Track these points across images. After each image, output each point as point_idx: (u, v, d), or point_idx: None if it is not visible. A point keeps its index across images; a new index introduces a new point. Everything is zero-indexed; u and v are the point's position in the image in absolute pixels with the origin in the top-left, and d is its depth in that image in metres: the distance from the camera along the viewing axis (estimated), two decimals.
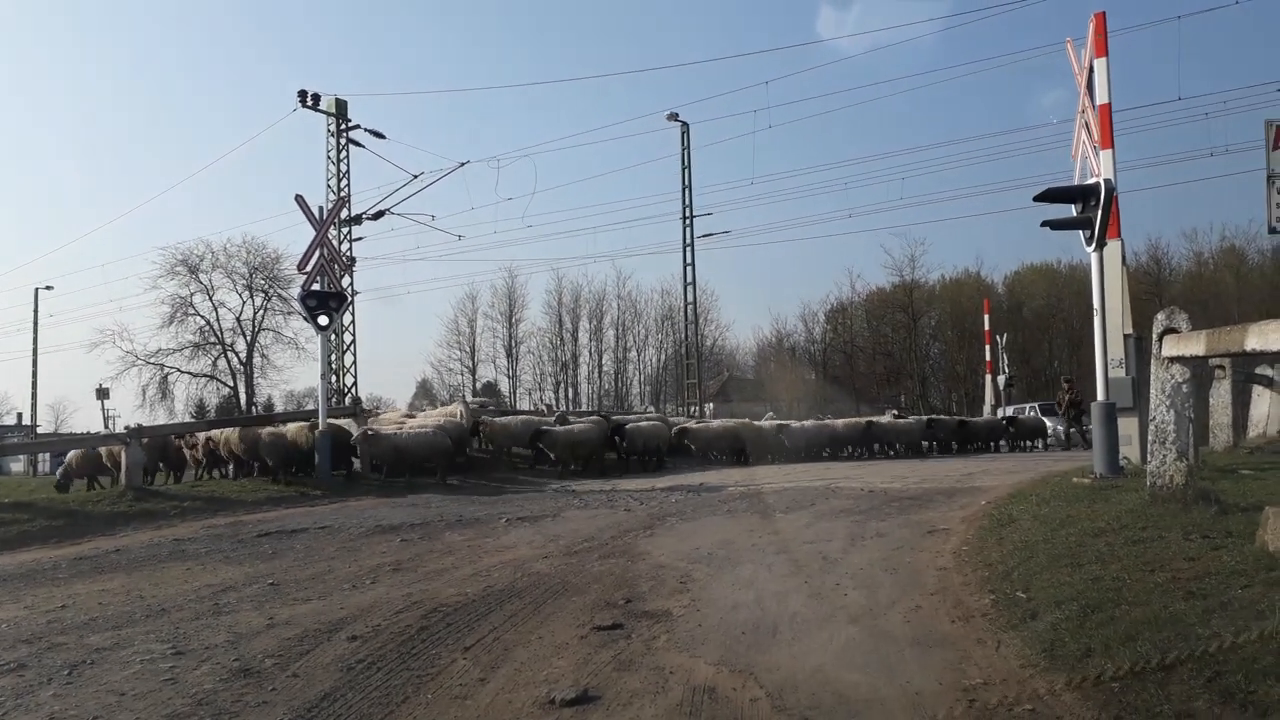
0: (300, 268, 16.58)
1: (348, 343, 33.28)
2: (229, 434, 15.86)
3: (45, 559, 8.88)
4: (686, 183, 34.29)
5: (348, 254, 31.98)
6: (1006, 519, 7.82)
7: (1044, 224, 10.51)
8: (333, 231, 18.29)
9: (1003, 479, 12.16)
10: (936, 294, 55.73)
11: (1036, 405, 29.95)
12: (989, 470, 14.53)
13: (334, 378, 31.45)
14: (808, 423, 22.81)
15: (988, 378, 34.08)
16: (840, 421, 22.85)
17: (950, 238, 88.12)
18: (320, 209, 16.79)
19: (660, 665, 4.41)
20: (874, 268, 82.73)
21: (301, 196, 16.39)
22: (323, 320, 16.08)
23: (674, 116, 34.02)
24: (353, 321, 33.22)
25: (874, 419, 22.97)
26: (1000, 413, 29.00)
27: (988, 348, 34.44)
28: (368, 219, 33.45)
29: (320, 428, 15.44)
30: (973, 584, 5.76)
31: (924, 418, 24.99)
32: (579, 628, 5.17)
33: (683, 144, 34.27)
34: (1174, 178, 58.33)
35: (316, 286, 16.11)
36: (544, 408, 29.77)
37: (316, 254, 16.15)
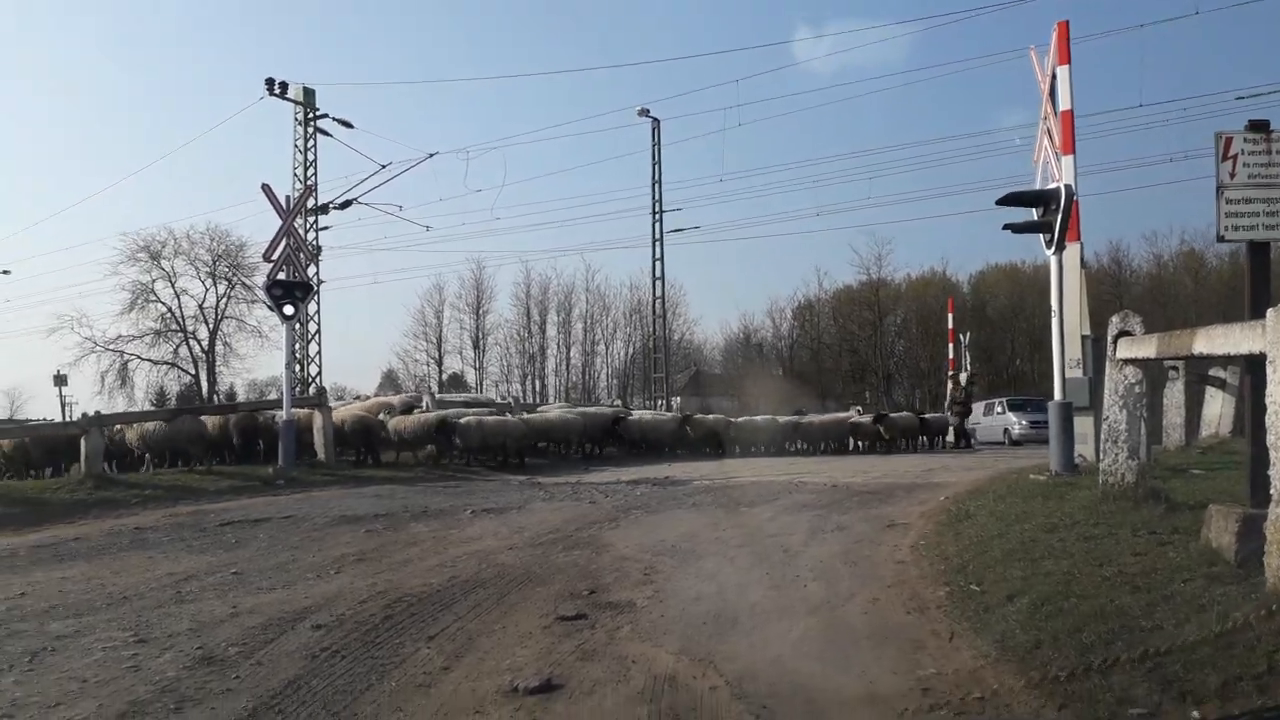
0: (266, 256, 16.45)
1: (312, 332, 33.02)
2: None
3: (3, 546, 8.76)
4: (656, 178, 34.35)
5: (314, 243, 31.70)
6: (964, 514, 7.98)
7: (1005, 227, 10.64)
8: (299, 220, 18.11)
9: (962, 475, 12.37)
10: (903, 292, 56.11)
11: (1004, 401, 30.15)
12: (949, 467, 14.76)
13: (298, 367, 31.19)
14: (647, 415, 23.15)
15: (950, 375, 34.44)
16: (711, 417, 23.14)
17: (917, 237, 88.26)
18: (287, 198, 16.72)
19: (622, 655, 4.48)
20: (841, 265, 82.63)
21: (268, 185, 16.33)
22: (288, 310, 16.00)
23: (645, 112, 34.00)
24: (318, 311, 32.99)
25: (732, 419, 23.08)
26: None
27: (951, 345, 34.84)
28: (335, 208, 33.19)
29: (285, 417, 15.38)
30: (929, 577, 5.88)
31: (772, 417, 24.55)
32: (543, 618, 5.22)
33: (653, 139, 34.30)
34: (1136, 182, 59.06)
35: (282, 276, 16.01)
36: (510, 400, 29.67)
37: (283, 243, 16.05)
